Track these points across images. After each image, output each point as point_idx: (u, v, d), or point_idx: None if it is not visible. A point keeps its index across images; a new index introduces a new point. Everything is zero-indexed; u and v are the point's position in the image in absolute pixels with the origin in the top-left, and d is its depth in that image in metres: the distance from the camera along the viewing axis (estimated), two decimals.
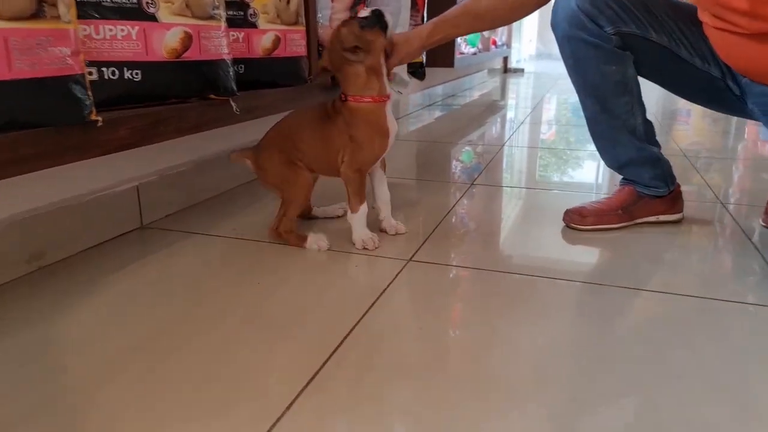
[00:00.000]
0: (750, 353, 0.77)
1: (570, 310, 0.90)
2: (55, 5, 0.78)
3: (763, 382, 0.71)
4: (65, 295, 0.94)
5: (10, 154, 0.77)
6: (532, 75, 5.38)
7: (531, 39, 7.16)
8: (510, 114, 3.07)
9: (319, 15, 1.52)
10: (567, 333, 0.83)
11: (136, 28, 0.95)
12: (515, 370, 0.73)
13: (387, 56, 1.12)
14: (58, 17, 0.78)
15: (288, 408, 0.65)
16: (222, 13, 1.10)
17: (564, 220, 1.22)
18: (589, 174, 1.79)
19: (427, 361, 0.75)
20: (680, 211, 1.24)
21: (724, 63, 1.06)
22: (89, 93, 0.85)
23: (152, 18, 0.97)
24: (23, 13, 0.73)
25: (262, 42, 1.29)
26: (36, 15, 0.75)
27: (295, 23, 1.36)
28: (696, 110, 3.05)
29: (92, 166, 1.14)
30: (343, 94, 1.11)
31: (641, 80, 1.15)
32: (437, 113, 3.01)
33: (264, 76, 1.31)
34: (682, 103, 3.23)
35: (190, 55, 1.03)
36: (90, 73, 0.92)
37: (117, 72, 0.94)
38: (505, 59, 5.22)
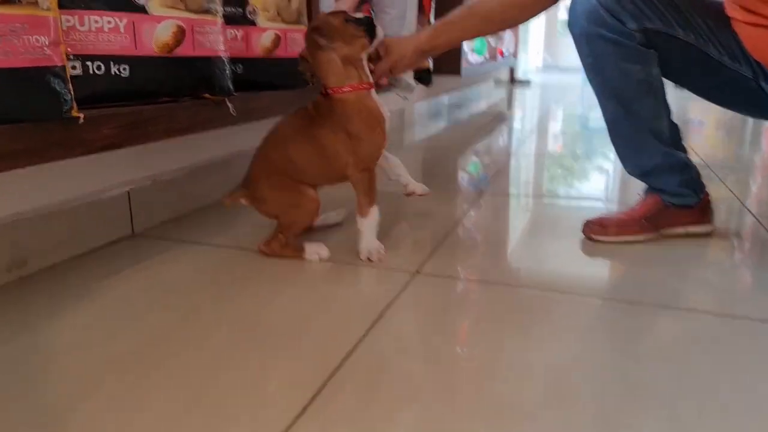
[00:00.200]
0: None
1: (589, 329, 0.82)
2: None
3: None
4: (47, 306, 0.86)
5: None
6: (539, 86, 5.33)
7: (538, 51, 7.11)
8: (517, 124, 3.00)
9: None
10: (585, 353, 0.75)
11: (125, 20, 0.89)
12: (529, 395, 0.65)
13: (378, 59, 1.07)
14: (35, 3, 0.72)
15: None
16: (218, 7, 1.03)
17: (583, 231, 1.14)
18: (604, 185, 1.71)
19: (434, 384, 0.67)
20: (710, 222, 1.15)
21: (756, 61, 0.98)
22: (69, 87, 0.78)
23: (142, 9, 0.91)
24: None
25: (262, 41, 1.22)
26: (9, 0, 0.68)
27: (297, 22, 1.30)
28: (710, 121, 2.97)
29: (80, 168, 1.07)
30: (323, 88, 1.02)
31: None
32: (443, 123, 2.95)
33: (263, 76, 1.25)
34: (695, 113, 3.15)
35: (183, 50, 0.96)
36: (74, 68, 0.85)
37: (103, 66, 0.88)
38: (512, 70, 5.17)
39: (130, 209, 1.18)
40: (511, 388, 0.67)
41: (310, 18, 1.35)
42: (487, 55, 3.54)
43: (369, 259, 1.02)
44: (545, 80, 6.03)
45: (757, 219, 1.28)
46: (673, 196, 1.11)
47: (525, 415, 0.61)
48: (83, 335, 0.78)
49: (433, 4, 2.14)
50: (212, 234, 1.19)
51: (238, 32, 1.18)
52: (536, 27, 6.88)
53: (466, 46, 3.07)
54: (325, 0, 1.47)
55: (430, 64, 2.31)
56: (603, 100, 1.09)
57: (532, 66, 6.83)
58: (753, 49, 0.97)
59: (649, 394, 0.65)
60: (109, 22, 0.87)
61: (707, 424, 0.60)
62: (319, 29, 0.98)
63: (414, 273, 0.98)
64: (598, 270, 1.05)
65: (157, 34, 0.92)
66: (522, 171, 1.85)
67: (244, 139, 1.49)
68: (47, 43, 0.74)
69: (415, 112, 2.88)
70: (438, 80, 2.76)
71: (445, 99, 3.40)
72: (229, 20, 1.15)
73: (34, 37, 0.72)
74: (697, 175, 1.13)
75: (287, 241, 1.04)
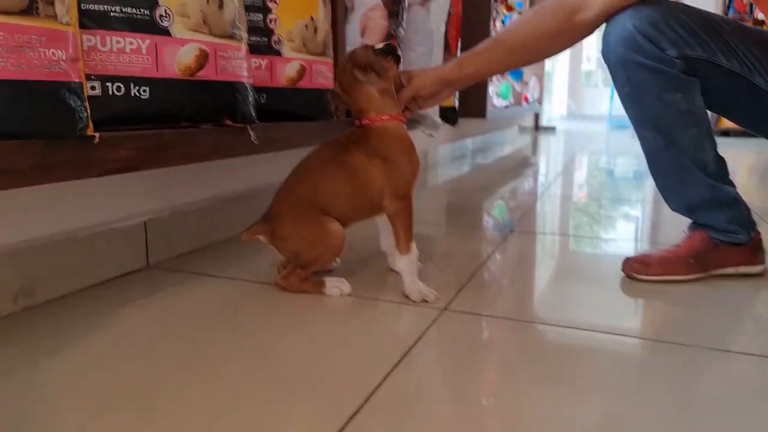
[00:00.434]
0: None
1: (633, 373, 0.74)
2: (51, 4, 0.69)
3: None
4: (53, 338, 0.81)
5: None
6: (563, 133, 5.29)
7: (561, 99, 7.12)
8: (543, 169, 2.94)
9: (348, 49, 1.44)
10: (630, 400, 0.66)
11: (147, 41, 0.87)
12: None
13: (401, 87, 1.05)
14: (54, 17, 0.69)
15: None
16: (243, 33, 1.01)
17: (623, 269, 1.06)
18: (636, 226, 1.63)
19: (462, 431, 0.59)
20: (762, 262, 1.06)
21: None
22: (86, 105, 0.75)
23: (165, 32, 0.88)
24: (12, 7, 0.65)
25: (286, 71, 1.20)
26: (27, 11, 0.66)
27: (322, 54, 1.27)
28: (741, 168, 2.88)
29: (95, 196, 1.04)
30: (357, 119, 1.01)
31: None
32: (466, 167, 2.90)
33: (287, 107, 1.22)
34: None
35: (206, 74, 0.93)
36: (93, 88, 0.83)
37: (122, 87, 0.85)
38: (537, 116, 5.15)
39: (146, 240, 1.14)
40: None
41: (335, 50, 1.34)
42: (512, 100, 3.53)
43: (425, 300, 0.94)
44: (569, 127, 6.01)
45: None
46: (721, 233, 1.03)
47: None
48: (85, 371, 0.72)
49: (459, 44, 2.14)
50: (230, 267, 1.13)
51: (262, 61, 1.16)
52: (560, 76, 6.92)
53: (492, 89, 3.06)
54: (351, 33, 1.46)
55: (456, 103, 2.28)
56: (641, 131, 1.03)
57: (556, 114, 6.83)
58: None
59: None
60: (131, 43, 0.85)
61: None
62: (356, 63, 0.99)
63: (442, 309, 0.91)
64: (641, 311, 0.97)
65: (179, 56, 0.90)
66: (550, 212, 1.78)
67: (266, 171, 1.46)
68: (65, 57, 0.71)
69: (439, 155, 2.85)
70: (463, 123, 2.73)
71: (469, 143, 3.38)
72: (254, 49, 1.13)
73: (51, 50, 0.69)
74: (747, 211, 1.05)
75: (306, 275, 0.98)
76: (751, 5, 4.53)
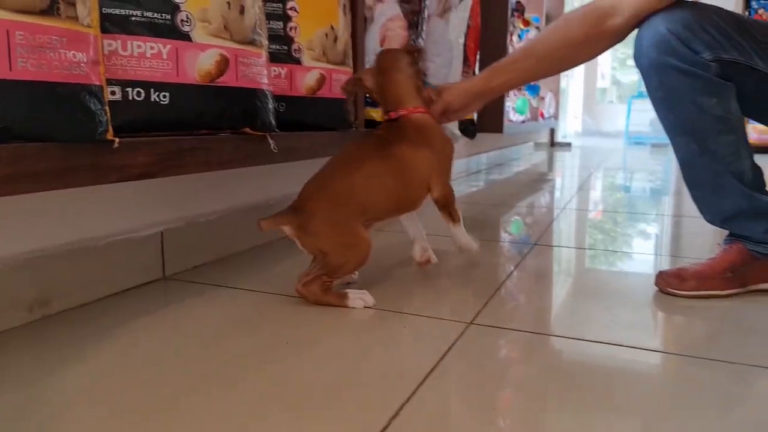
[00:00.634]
0: None
1: (677, 390, 0.69)
2: (73, 4, 0.68)
3: None
4: (69, 349, 0.78)
5: (7, 168, 0.65)
6: (579, 149, 5.24)
7: (576, 115, 7.08)
8: (560, 184, 2.90)
9: (367, 59, 1.43)
10: (672, 420, 0.62)
11: (168, 46, 0.85)
12: None
13: (431, 102, 1.06)
14: (75, 18, 0.68)
15: None
16: (264, 40, 1.00)
17: (657, 283, 1.01)
18: (662, 240, 1.58)
19: None
20: None
21: None
22: (106, 108, 0.73)
23: (186, 37, 0.87)
24: (32, 6, 0.63)
25: (306, 80, 1.18)
26: (48, 11, 0.65)
27: (342, 63, 1.26)
28: None
29: (111, 204, 1.02)
30: (390, 112, 1.03)
31: None
32: (482, 182, 2.87)
33: (306, 116, 1.20)
34: None
35: (226, 80, 0.92)
36: (113, 93, 0.81)
37: (142, 93, 0.83)
38: (552, 132, 5.12)
39: (163, 251, 1.12)
40: None
41: (354, 59, 1.32)
42: (529, 116, 3.50)
43: (469, 248, 1.08)
44: (585, 143, 5.96)
45: None
46: (759, 245, 0.98)
47: None
48: (97, 384, 0.69)
49: (478, 56, 2.12)
50: (247, 278, 1.11)
51: (282, 70, 1.15)
52: (575, 92, 6.89)
53: (509, 104, 3.04)
54: (370, 43, 1.44)
55: (475, 116, 2.26)
56: (675, 137, 0.99)
57: (571, 131, 6.79)
58: None
59: None
60: (152, 48, 0.84)
61: None
62: (409, 49, 1.05)
63: (468, 323, 0.87)
64: (677, 326, 0.92)
65: (200, 62, 0.88)
66: (572, 227, 1.74)
67: (283, 182, 1.44)
68: (85, 60, 0.70)
69: (455, 169, 2.82)
70: (479, 137, 2.71)
71: (483, 158, 3.35)
72: (274, 58, 1.11)
73: (71, 52, 0.68)
74: None
75: (330, 285, 0.94)
76: None
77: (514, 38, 3.06)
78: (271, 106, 1.02)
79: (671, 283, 0.99)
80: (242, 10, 0.94)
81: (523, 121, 3.36)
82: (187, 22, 0.87)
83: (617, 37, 0.98)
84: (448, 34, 1.74)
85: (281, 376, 0.71)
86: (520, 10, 3.27)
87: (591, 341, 0.82)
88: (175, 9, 0.86)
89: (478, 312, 0.92)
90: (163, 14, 0.85)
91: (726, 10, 0.95)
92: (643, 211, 1.99)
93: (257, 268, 1.19)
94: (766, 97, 0.95)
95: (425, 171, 0.99)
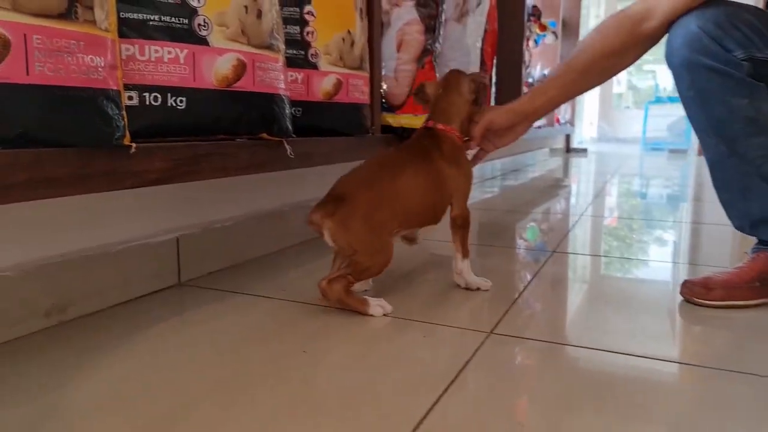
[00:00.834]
0: None
1: (698, 403, 0.66)
2: (90, 8, 0.67)
3: None
4: (85, 355, 0.77)
5: (24, 174, 0.64)
6: (595, 155, 5.19)
7: (592, 121, 7.02)
8: (577, 189, 2.87)
9: (384, 65, 1.42)
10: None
11: (185, 51, 0.85)
12: None
13: (474, 123, 1.07)
14: (93, 22, 0.68)
15: None
16: (281, 45, 0.99)
17: (682, 292, 0.99)
18: (682, 248, 1.55)
19: None
20: None
21: None
22: (123, 113, 0.73)
23: (203, 41, 0.86)
24: (50, 10, 0.63)
25: (323, 85, 1.18)
26: (65, 15, 0.64)
27: (359, 68, 1.25)
28: None
29: (127, 210, 1.02)
30: (432, 121, 1.05)
31: None
32: (496, 189, 2.84)
33: (323, 121, 1.19)
34: None
35: (243, 85, 0.91)
36: (130, 98, 0.81)
37: (159, 98, 0.83)
38: (568, 137, 5.07)
39: (178, 257, 1.11)
40: None
41: (371, 64, 1.31)
42: (544, 121, 3.47)
43: (479, 288, 1.05)
44: (601, 149, 5.90)
45: None
46: None
47: None
48: (113, 394, 0.68)
49: (495, 61, 2.11)
50: (263, 285, 1.09)
51: (299, 75, 1.14)
52: (591, 98, 6.84)
53: None
54: (387, 48, 1.43)
55: None
56: (704, 138, 0.97)
57: (586, 137, 6.73)
58: None
59: None
60: (169, 52, 0.83)
61: None
62: (474, 79, 1.08)
63: (488, 333, 0.85)
64: (704, 338, 0.89)
65: (217, 66, 0.88)
66: (591, 234, 1.71)
67: (299, 189, 1.43)
68: (103, 64, 0.69)
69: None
70: None
71: (498, 164, 3.32)
72: (291, 62, 1.11)
73: (89, 56, 0.67)
74: None
75: (351, 286, 0.93)
76: None
77: (530, 43, 3.04)
78: (288, 112, 1.01)
79: (697, 293, 0.97)
80: (260, 15, 0.93)
81: (539, 127, 3.33)
82: (204, 26, 0.86)
83: (653, 40, 0.98)
84: (465, 39, 1.73)
85: (298, 384, 0.70)
86: (536, 14, 3.25)
87: (615, 352, 0.80)
88: (193, 13, 0.85)
89: (497, 321, 0.90)
90: (181, 18, 0.84)
91: (759, 8, 0.93)
92: (661, 218, 1.96)
93: (273, 274, 1.18)
94: None
95: (452, 188, 1.02)
